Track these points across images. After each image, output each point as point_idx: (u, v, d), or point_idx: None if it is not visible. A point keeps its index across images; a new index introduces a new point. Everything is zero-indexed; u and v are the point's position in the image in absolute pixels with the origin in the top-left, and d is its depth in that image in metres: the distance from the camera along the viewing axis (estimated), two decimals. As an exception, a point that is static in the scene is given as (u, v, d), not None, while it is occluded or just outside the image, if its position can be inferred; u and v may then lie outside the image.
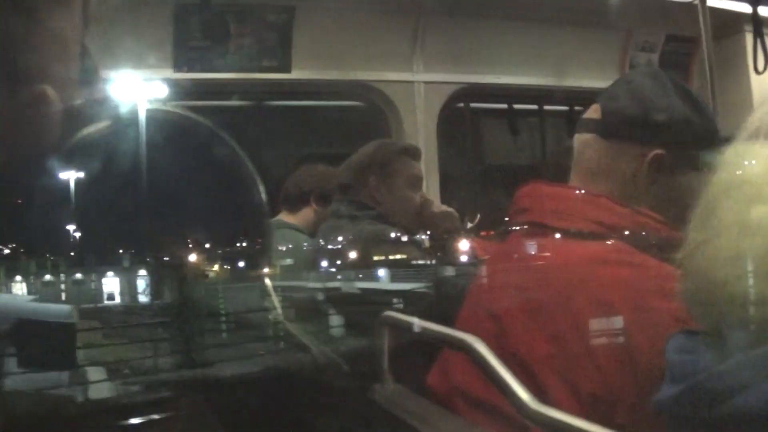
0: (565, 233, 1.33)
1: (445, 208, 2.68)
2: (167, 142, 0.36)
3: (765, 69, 3.80)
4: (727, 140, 1.38)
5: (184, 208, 0.35)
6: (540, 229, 1.38)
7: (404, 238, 2.32)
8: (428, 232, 2.58)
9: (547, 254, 1.35)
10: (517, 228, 1.45)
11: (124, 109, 0.41)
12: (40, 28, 0.44)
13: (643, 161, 1.40)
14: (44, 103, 0.37)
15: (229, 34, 3.46)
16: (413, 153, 2.56)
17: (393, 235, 2.30)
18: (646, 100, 1.44)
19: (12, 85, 0.44)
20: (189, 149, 0.36)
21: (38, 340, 0.58)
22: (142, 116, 0.39)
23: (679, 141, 1.41)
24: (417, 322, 1.28)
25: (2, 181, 0.36)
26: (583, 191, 1.40)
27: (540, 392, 1.12)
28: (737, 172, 0.91)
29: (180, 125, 0.36)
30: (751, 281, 0.79)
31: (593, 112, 1.48)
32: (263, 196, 0.36)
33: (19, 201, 0.38)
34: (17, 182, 0.37)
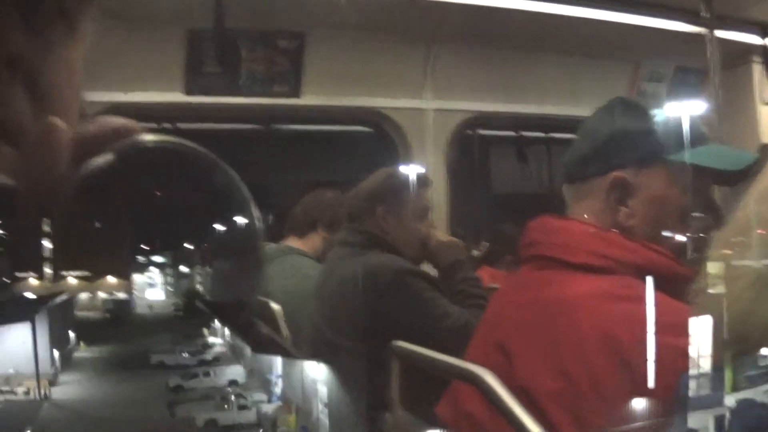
0: (574, 267, 1.32)
1: (449, 238, 2.64)
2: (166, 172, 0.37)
3: (772, 99, 3.81)
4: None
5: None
6: (548, 263, 1.37)
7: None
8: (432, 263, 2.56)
9: (555, 288, 1.34)
10: (526, 261, 1.45)
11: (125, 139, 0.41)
12: (54, 56, 0.45)
13: (604, 189, 1.38)
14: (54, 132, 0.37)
15: (240, 59, 3.49)
16: (423, 182, 2.51)
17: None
18: (591, 131, 1.44)
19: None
20: (187, 177, 0.37)
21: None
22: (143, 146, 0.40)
23: (634, 156, 1.37)
24: (427, 353, 1.28)
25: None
26: (592, 226, 1.39)
27: (548, 426, 1.13)
28: None
29: (178, 155, 0.37)
30: None
31: None
32: (259, 221, 0.37)
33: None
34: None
